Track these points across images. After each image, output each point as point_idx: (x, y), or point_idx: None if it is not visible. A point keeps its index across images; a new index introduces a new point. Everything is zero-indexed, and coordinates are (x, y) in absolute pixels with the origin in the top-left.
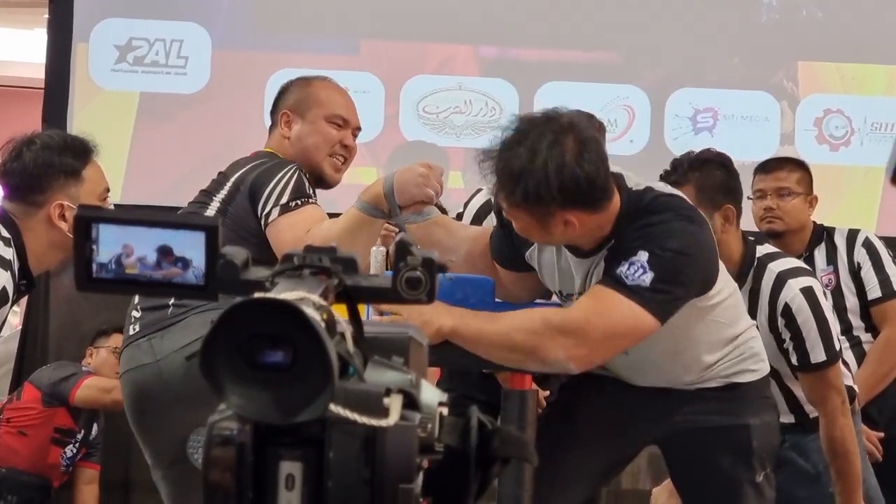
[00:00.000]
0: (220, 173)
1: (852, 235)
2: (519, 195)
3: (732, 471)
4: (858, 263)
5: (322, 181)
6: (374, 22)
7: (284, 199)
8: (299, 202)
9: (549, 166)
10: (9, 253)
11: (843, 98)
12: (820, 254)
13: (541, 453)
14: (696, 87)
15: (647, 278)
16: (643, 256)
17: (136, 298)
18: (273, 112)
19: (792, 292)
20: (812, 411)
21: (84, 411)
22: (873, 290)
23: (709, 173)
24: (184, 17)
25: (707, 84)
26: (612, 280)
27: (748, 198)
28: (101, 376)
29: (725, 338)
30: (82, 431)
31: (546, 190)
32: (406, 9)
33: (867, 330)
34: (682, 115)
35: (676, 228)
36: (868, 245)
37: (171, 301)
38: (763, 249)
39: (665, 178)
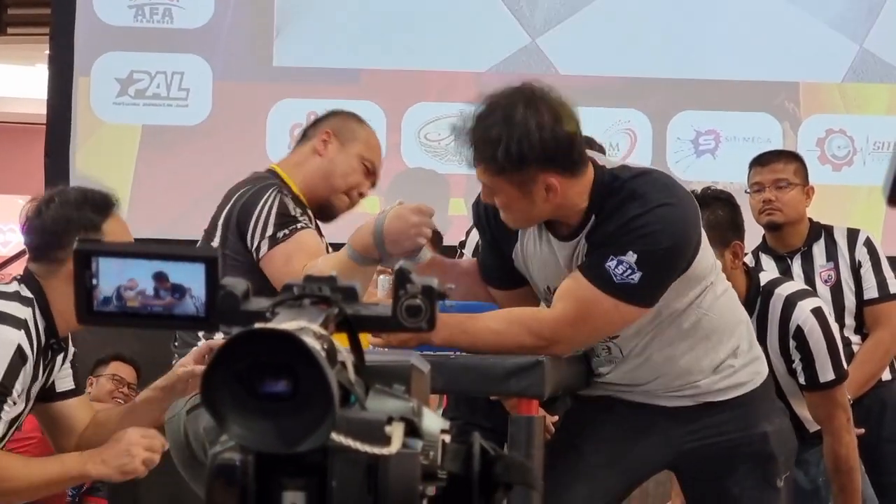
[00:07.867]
0: (213, 217)
1: (853, 234)
2: (501, 157)
3: (755, 482)
4: (859, 261)
5: (325, 212)
6: (373, 51)
7: (270, 231)
8: (286, 231)
9: (529, 124)
10: (25, 313)
11: (845, 118)
12: (819, 249)
13: (547, 484)
14: (697, 109)
15: (636, 277)
16: (632, 258)
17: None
18: (310, 128)
19: (804, 314)
20: (811, 426)
21: None
22: (870, 291)
23: (715, 212)
24: (184, 49)
25: (708, 106)
26: (598, 277)
27: (745, 191)
28: (100, 403)
29: (721, 335)
30: None
31: (528, 147)
32: (405, 37)
33: (856, 330)
34: (683, 137)
35: (661, 217)
36: (869, 244)
37: None
38: (765, 276)
39: None
